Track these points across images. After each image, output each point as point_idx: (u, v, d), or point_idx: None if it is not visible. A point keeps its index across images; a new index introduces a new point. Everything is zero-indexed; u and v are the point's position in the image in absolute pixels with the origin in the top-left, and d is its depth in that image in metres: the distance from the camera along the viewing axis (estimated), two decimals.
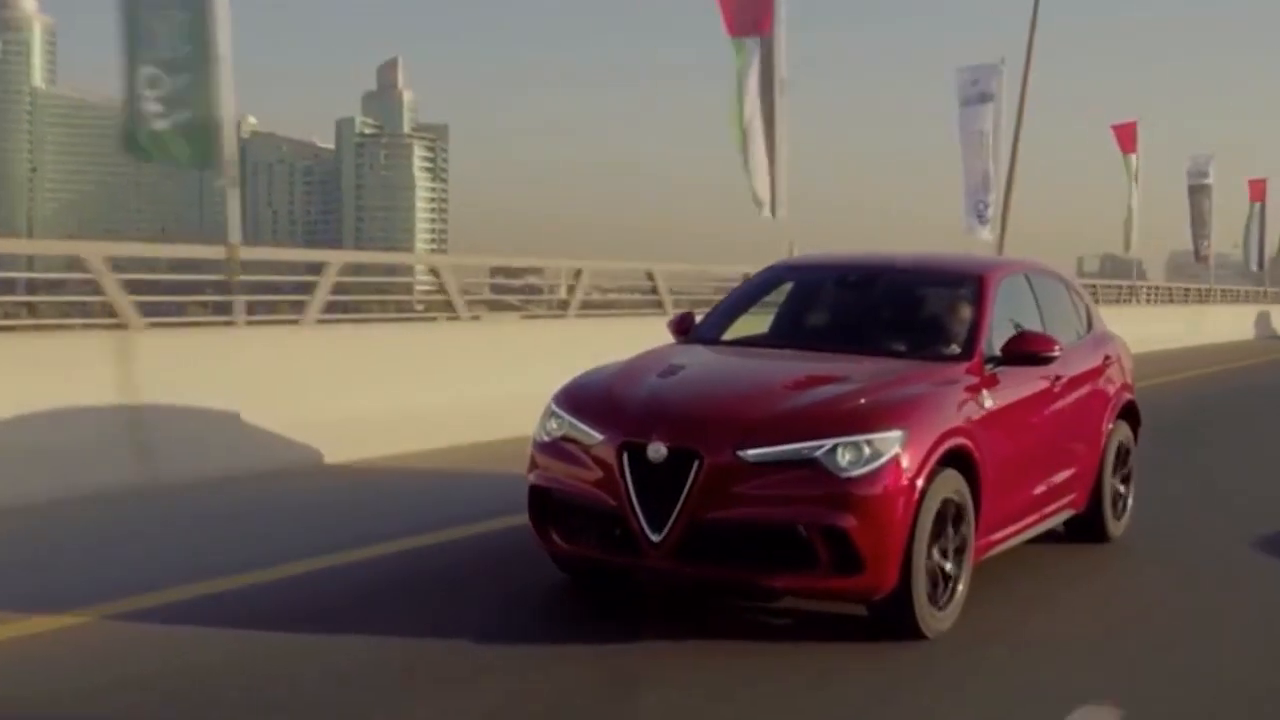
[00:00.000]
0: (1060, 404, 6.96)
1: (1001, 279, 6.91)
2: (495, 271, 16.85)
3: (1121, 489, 7.83)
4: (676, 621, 5.85)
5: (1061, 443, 7.04)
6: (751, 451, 5.40)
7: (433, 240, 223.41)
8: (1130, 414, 7.97)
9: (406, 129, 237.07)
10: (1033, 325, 6.87)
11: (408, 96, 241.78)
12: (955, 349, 6.45)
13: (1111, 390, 7.74)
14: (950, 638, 5.70)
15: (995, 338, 6.50)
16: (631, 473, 5.52)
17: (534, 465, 6.00)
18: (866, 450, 5.40)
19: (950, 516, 5.75)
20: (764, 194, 17.32)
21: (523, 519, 6.09)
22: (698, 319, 7.29)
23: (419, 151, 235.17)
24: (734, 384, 6.17)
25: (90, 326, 9.49)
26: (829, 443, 5.38)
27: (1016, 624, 6.10)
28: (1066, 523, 7.37)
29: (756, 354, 6.82)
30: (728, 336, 7.08)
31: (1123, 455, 7.82)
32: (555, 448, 5.91)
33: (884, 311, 7.01)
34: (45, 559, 6.75)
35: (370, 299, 13.09)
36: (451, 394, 10.83)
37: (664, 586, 5.95)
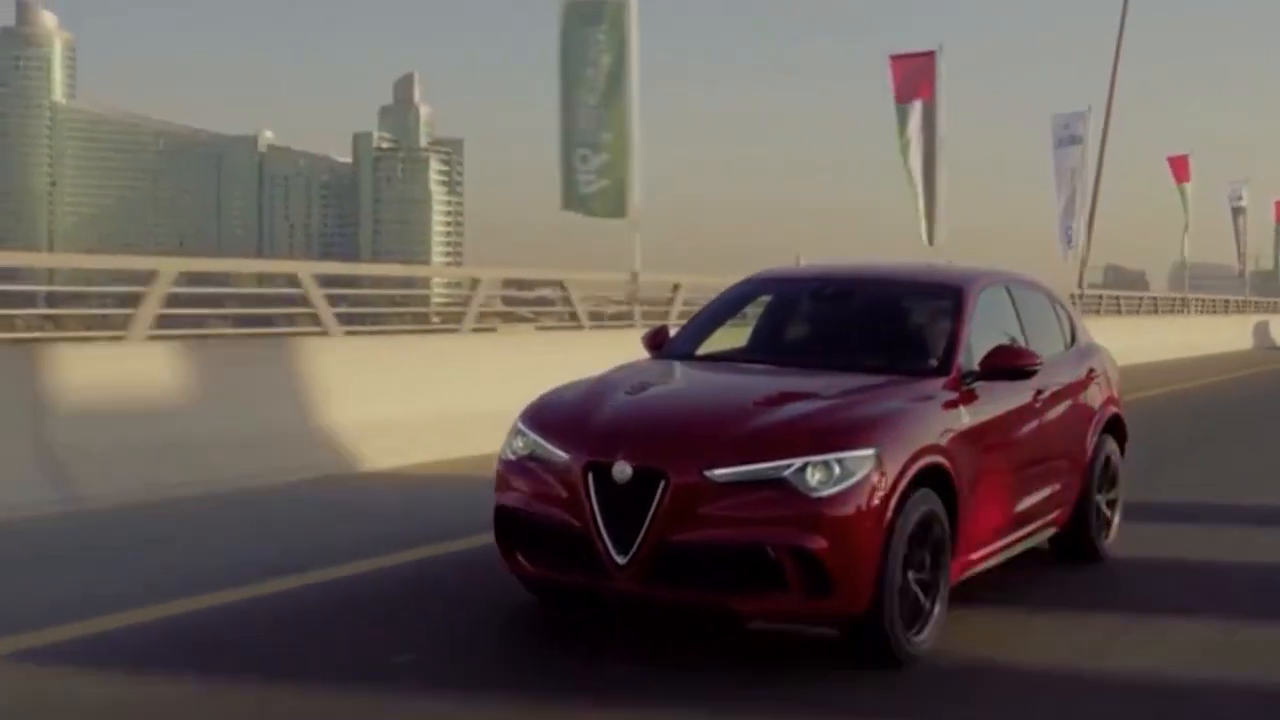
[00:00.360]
0: (1042, 419, 6.68)
1: (980, 291, 6.64)
2: (509, 284, 16.74)
3: (1107, 505, 7.55)
4: (642, 648, 5.62)
5: (1043, 459, 6.76)
6: (719, 471, 5.17)
7: (449, 253, 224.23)
8: (1116, 428, 7.68)
9: (423, 143, 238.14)
10: (1014, 338, 6.63)
11: (424, 111, 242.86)
12: (932, 363, 6.19)
13: (1096, 404, 7.45)
14: (926, 662, 5.45)
15: (974, 351, 6.24)
16: (596, 493, 5.30)
17: (500, 484, 5.77)
18: (837, 469, 5.16)
19: (925, 537, 5.50)
20: (925, 227, 21.80)
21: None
22: (673, 333, 7.04)
23: (435, 165, 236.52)
24: (702, 401, 5.94)
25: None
26: (798, 462, 5.15)
27: (996, 647, 5.85)
28: (1051, 540, 7.11)
29: (729, 370, 6.56)
30: (702, 351, 6.81)
31: (1108, 471, 7.53)
32: (521, 467, 5.68)
33: (860, 325, 6.75)
34: None
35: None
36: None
37: (631, 609, 5.70)
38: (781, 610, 5.25)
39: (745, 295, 7.32)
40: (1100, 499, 7.40)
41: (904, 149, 21.52)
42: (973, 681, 5.37)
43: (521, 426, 5.78)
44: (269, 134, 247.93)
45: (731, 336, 6.97)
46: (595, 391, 5.92)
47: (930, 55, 21.97)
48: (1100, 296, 29.67)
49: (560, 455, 5.49)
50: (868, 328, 6.71)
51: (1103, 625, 6.26)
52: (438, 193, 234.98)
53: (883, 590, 5.22)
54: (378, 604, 6.18)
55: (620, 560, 5.21)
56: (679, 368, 6.55)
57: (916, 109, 21.51)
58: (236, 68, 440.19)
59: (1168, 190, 38.61)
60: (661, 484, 5.16)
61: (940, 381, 6.00)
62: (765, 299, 7.26)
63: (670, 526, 5.15)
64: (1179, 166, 38.55)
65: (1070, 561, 7.24)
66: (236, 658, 5.31)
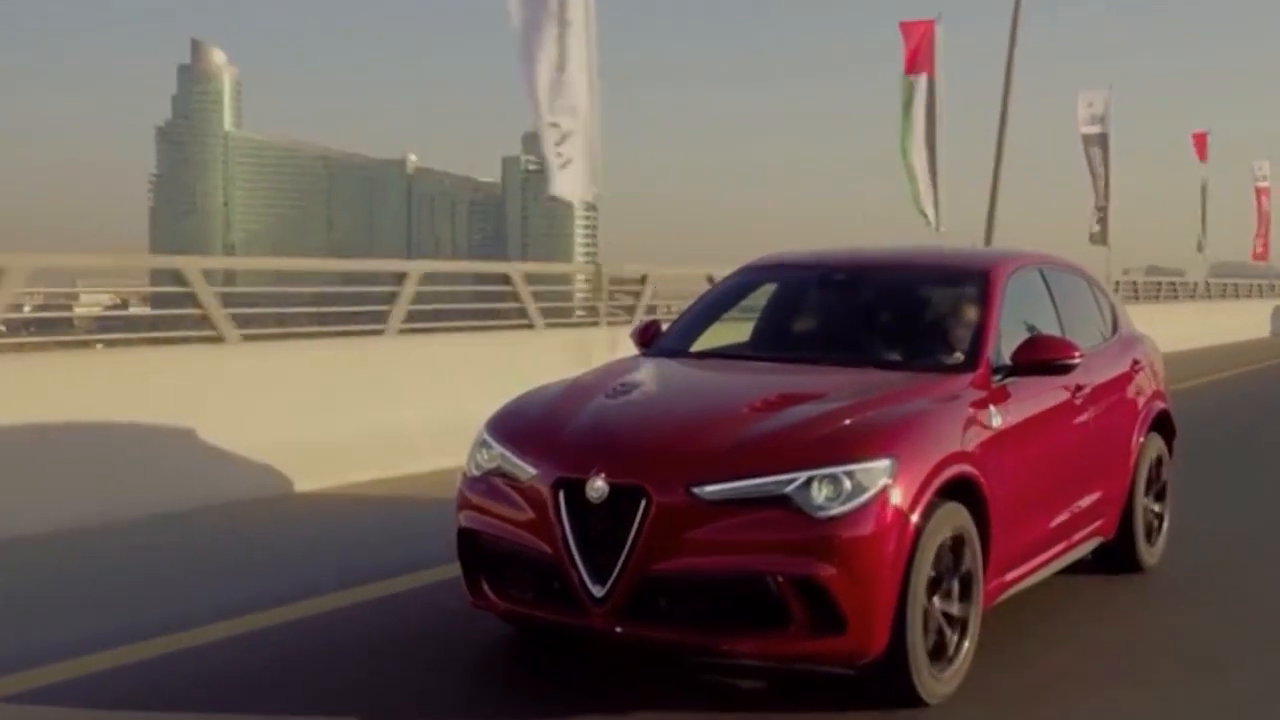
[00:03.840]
0: (1083, 418, 5.03)
1: (1011, 274, 4.97)
2: (614, 282, 15.17)
3: (1156, 509, 5.83)
4: (638, 686, 4.11)
5: (1085, 463, 5.11)
6: (709, 488, 3.70)
7: (587, 261, 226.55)
8: (1164, 425, 5.92)
9: None
10: (1049, 327, 4.99)
11: None
12: (957, 358, 4.57)
13: (1141, 400, 5.72)
14: (954, 703, 3.93)
15: (1005, 343, 4.62)
16: (569, 514, 3.84)
17: (463, 503, 4.26)
18: (848, 483, 3.67)
19: (953, 559, 3.97)
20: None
21: None
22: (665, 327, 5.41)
23: None
24: (692, 405, 4.37)
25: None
26: (802, 475, 3.67)
27: (1033, 686, 4.25)
28: (1094, 551, 5.44)
29: (725, 368, 4.94)
30: (698, 347, 5.17)
31: (1156, 472, 5.80)
32: (486, 484, 4.18)
33: (874, 315, 5.09)
34: None
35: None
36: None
37: (613, 649, 4.19)
38: (785, 651, 3.75)
39: (745, 284, 5.62)
40: (1148, 503, 5.70)
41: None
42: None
43: (487, 436, 4.29)
44: (413, 157, 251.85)
45: (732, 331, 5.34)
46: (571, 395, 4.40)
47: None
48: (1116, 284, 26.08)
49: (529, 469, 4.02)
50: (884, 319, 5.06)
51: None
52: (579, 207, 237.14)
53: (904, 624, 3.73)
54: None
55: (597, 592, 3.76)
56: (669, 366, 4.95)
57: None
58: (383, 98, 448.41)
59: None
60: (642, 503, 3.71)
61: (967, 378, 4.41)
62: (770, 288, 5.58)
63: (653, 553, 3.69)
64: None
65: (1114, 572, 5.56)
66: None
